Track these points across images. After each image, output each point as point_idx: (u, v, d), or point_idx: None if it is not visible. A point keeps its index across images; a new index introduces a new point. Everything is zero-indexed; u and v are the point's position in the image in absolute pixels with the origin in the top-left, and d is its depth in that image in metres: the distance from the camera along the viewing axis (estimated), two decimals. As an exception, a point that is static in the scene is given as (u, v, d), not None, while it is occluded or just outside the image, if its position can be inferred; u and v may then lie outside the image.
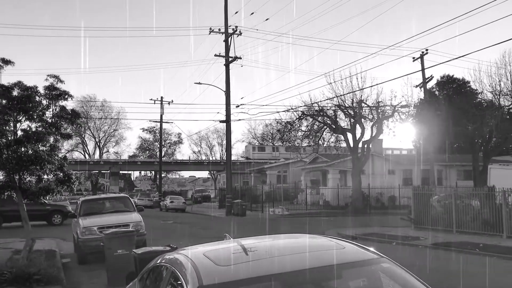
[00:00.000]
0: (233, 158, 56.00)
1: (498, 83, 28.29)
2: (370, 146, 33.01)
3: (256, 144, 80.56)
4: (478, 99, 29.35)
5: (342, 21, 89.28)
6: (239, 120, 65.85)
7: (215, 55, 35.05)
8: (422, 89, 33.58)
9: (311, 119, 33.47)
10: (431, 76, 34.18)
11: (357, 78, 30.71)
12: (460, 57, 51.70)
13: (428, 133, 31.12)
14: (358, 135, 31.96)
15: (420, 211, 20.13)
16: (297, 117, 33.52)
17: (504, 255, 12.87)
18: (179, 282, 3.20)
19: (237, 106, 36.93)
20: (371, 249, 3.53)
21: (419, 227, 19.60)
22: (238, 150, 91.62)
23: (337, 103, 31.65)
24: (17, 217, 24.29)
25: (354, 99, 31.28)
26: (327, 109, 32.65)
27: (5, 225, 24.07)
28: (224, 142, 59.81)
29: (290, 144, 36.46)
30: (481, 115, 26.16)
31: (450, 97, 31.49)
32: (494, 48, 69.87)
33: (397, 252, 14.00)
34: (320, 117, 32.83)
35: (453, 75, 40.40)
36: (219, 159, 79.09)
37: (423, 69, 33.00)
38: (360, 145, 32.22)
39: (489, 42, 78.67)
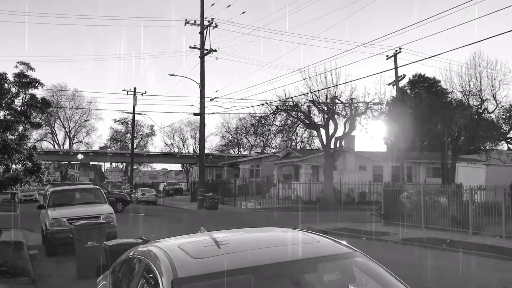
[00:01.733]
0: (206, 151, 55.78)
1: (468, 83, 28.97)
2: (343, 143, 33.39)
3: (230, 137, 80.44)
4: (448, 99, 30.00)
5: (318, 17, 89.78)
6: (213, 113, 65.50)
7: (190, 47, 34.80)
8: (395, 87, 34.13)
9: (285, 114, 33.65)
10: (403, 74, 34.78)
11: (331, 75, 31.03)
12: (432, 56, 52.83)
13: (399, 130, 31.67)
14: (331, 131, 32.30)
15: (390, 207, 20.53)
16: (271, 111, 33.64)
17: (469, 250, 13.25)
18: (152, 274, 3.16)
19: (212, 99, 36.80)
20: (345, 243, 3.57)
21: (389, 222, 19.98)
22: (211, 143, 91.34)
23: (311, 99, 31.89)
24: None
25: (328, 95, 31.57)
26: (301, 105, 32.88)
27: None
28: (198, 135, 59.55)
29: (263, 138, 36.62)
30: (450, 114, 26.74)
31: (421, 96, 32.11)
32: (465, 49, 71.58)
33: (367, 247, 14.21)
34: (294, 112, 33.02)
35: (424, 74, 41.35)
36: (192, 152, 78.67)
37: (396, 68, 33.52)
38: (333, 141, 32.57)
39: (461, 42, 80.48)
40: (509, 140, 29.72)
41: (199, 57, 34.70)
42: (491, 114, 29.17)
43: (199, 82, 34.81)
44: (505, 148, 30.60)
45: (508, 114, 28.89)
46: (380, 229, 18.36)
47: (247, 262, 3.06)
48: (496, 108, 29.15)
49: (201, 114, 34.92)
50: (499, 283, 9.39)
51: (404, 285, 3.20)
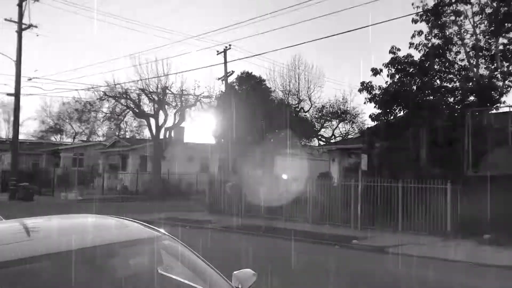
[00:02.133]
0: (22, 137, 50.58)
1: (288, 84, 31.71)
2: (172, 133, 33.51)
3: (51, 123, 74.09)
4: (271, 97, 32.35)
5: (152, 2, 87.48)
6: (31, 94, 59.67)
7: (6, 20, 31.04)
8: (224, 82, 35.39)
9: (113, 101, 32.39)
10: (232, 71, 36.19)
11: (162, 64, 30.87)
12: (256, 55, 56.29)
13: (227, 124, 33.04)
14: (161, 121, 32.17)
15: (215, 197, 21.33)
16: (98, 97, 32.07)
17: (281, 236, 14.55)
18: None
19: (30, 79, 33.38)
20: (158, 228, 3.60)
21: (214, 211, 20.73)
22: (29, 128, 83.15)
23: (142, 87, 31.28)
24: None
25: (159, 85, 31.34)
26: (131, 92, 32.02)
27: None
28: (12, 118, 53.45)
29: (89, 125, 34.82)
30: (272, 111, 28.90)
31: (248, 93, 33.95)
32: (287, 52, 77.65)
33: (188, 234, 14.54)
34: (123, 100, 31.98)
35: (251, 72, 43.51)
36: (4, 137, 70.37)
37: (225, 63, 34.71)
38: (162, 131, 32.46)
39: (286, 45, 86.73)
40: (320, 137, 33.29)
41: (16, 31, 31.19)
42: (307, 113, 32.34)
43: (15, 59, 31.31)
44: (317, 144, 34.24)
45: (320, 114, 32.35)
46: (204, 218, 18.95)
47: (46, 249, 2.86)
48: (310, 108, 32.38)
49: (17, 94, 31.45)
50: (303, 260, 10.49)
51: (208, 265, 3.37)
